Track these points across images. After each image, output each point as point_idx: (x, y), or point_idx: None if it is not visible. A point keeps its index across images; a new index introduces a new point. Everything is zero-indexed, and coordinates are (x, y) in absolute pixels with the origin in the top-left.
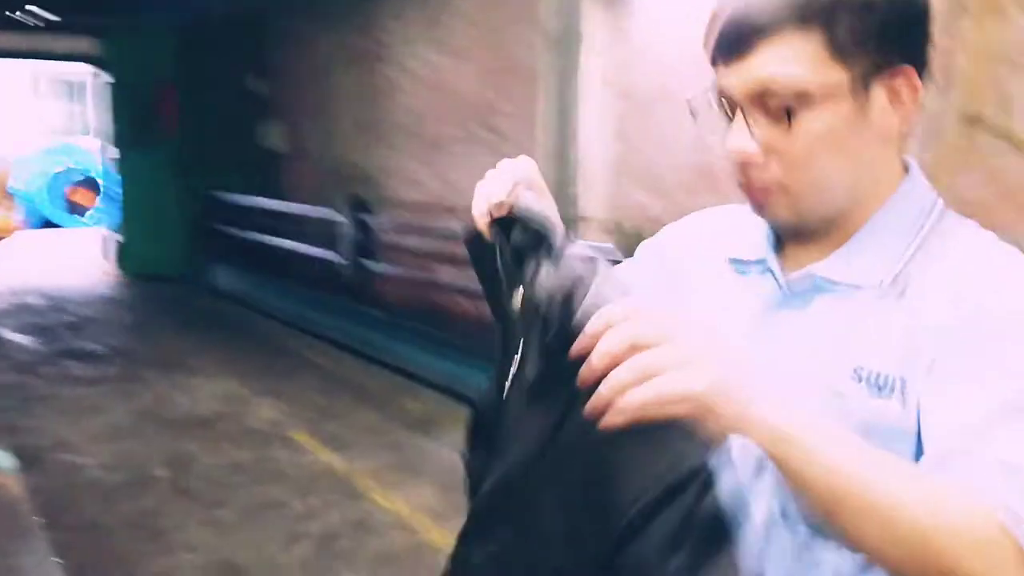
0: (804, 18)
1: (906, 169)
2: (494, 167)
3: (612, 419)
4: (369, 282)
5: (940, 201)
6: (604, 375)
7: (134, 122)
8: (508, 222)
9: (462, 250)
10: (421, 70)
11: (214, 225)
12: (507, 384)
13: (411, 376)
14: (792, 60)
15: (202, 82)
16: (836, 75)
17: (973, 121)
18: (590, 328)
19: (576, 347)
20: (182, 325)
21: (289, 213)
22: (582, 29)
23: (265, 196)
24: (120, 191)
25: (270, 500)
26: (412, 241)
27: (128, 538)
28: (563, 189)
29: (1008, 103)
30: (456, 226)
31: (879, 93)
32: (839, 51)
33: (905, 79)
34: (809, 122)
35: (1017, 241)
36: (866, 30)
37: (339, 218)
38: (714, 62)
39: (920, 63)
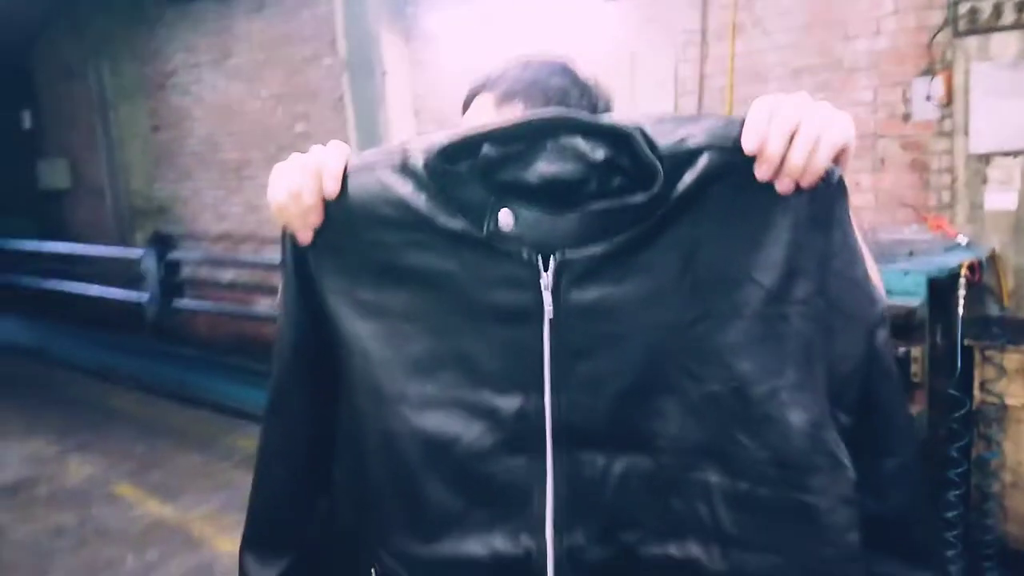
0: None
1: None
2: None
3: (807, 179)
4: (178, 320)
5: None
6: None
7: None
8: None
9: (276, 278)
10: (210, 96)
11: None
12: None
13: (235, 412)
14: None
15: None
16: None
17: None
18: (757, 127)
19: (767, 164)
20: None
21: (82, 255)
22: (376, 58)
23: (53, 239)
24: None
25: (101, 560)
26: (223, 274)
27: None
28: None
29: None
30: (270, 253)
31: None
32: None
33: None
34: None
35: None
36: None
37: (138, 255)
38: None
39: None
